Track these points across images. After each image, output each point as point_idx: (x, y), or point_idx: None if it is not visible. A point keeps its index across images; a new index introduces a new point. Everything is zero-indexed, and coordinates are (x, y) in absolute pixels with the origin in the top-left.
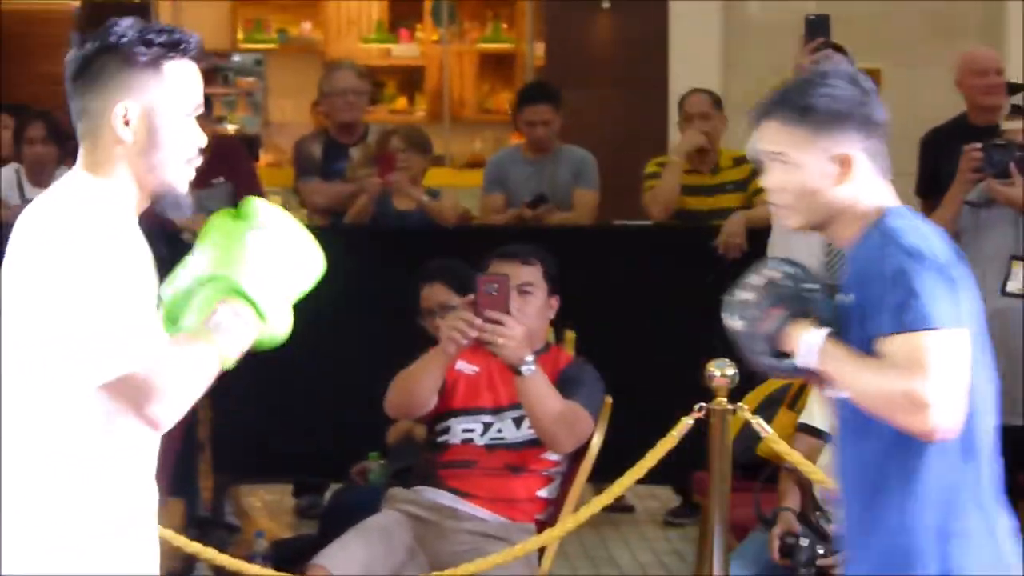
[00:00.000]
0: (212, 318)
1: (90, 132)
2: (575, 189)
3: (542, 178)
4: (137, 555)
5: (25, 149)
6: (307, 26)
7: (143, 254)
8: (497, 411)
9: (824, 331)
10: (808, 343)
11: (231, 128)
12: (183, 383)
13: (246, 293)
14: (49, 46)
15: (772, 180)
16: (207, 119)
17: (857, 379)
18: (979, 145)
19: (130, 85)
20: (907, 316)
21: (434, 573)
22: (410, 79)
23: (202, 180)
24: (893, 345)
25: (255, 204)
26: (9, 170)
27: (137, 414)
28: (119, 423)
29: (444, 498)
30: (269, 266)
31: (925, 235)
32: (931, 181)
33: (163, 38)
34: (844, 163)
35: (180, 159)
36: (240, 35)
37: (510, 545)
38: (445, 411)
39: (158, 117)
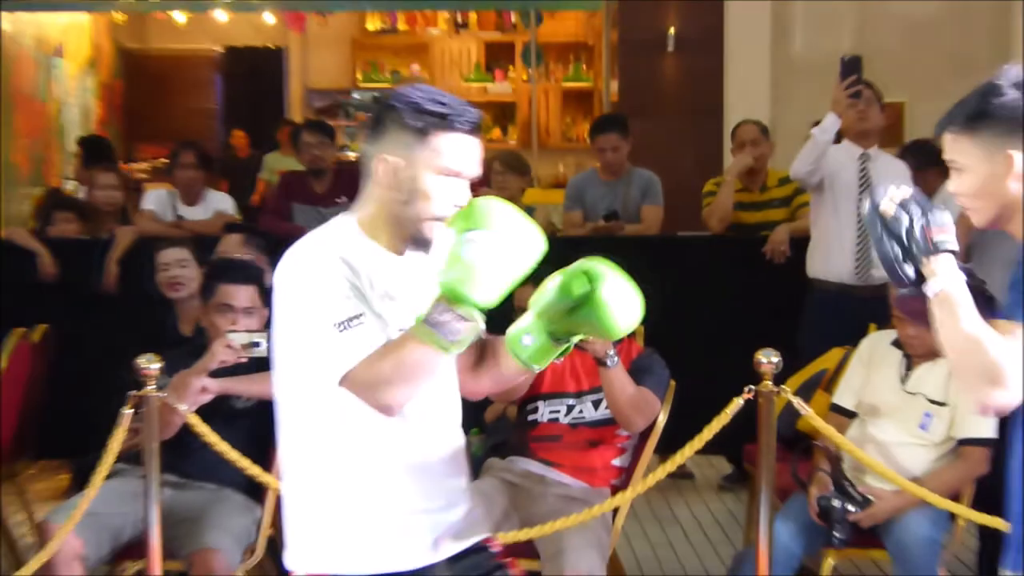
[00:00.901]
0: (428, 315)
1: (366, 173)
2: (643, 206)
3: (615, 197)
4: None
5: (178, 173)
6: (416, 67)
7: (366, 276)
8: (579, 395)
9: (956, 271)
10: (945, 267)
11: (352, 155)
12: (394, 375)
13: (459, 291)
14: (197, 84)
15: (952, 186)
16: (331, 147)
17: (956, 329)
18: None
19: (397, 143)
20: (1007, 305)
21: (525, 530)
22: (503, 112)
23: (328, 199)
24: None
25: (477, 203)
26: (163, 192)
27: (368, 403)
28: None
29: (534, 467)
30: (482, 262)
31: None
32: None
33: (436, 109)
34: (1007, 163)
35: (428, 215)
36: (359, 76)
37: (589, 507)
38: (534, 395)
39: (414, 176)
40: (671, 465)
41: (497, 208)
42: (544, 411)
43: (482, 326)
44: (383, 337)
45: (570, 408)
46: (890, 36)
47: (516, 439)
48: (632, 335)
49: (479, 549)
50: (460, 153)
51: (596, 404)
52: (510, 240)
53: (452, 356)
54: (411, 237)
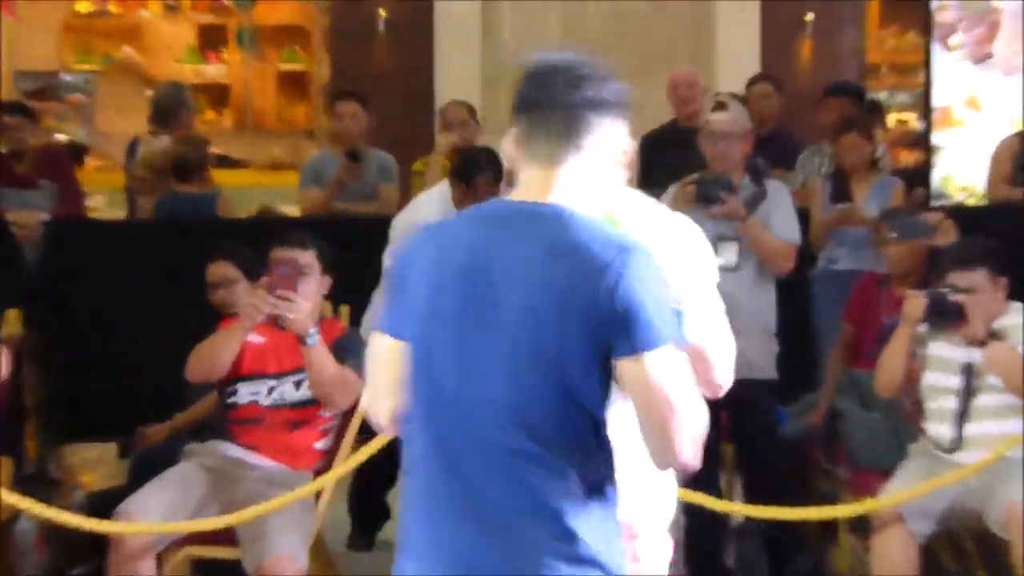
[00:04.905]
0: None
1: None
2: (380, 184)
3: None
4: None
5: None
6: (128, 50)
7: None
8: (279, 375)
9: None
10: None
11: (62, 138)
12: None
13: None
14: None
15: None
16: (32, 129)
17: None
18: (692, 177)
19: None
20: None
21: (224, 516)
22: (218, 95)
23: (29, 182)
24: None
25: None
26: None
27: None
28: None
29: (233, 451)
30: None
31: None
32: (645, 174)
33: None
34: None
35: None
36: (70, 58)
37: (291, 490)
38: (233, 377)
39: None
40: (372, 447)
41: None
42: (243, 393)
43: None
44: None
45: (271, 389)
46: (595, 30)
47: (215, 422)
48: (336, 315)
49: None
50: None
51: (297, 384)
52: None
53: None
54: None
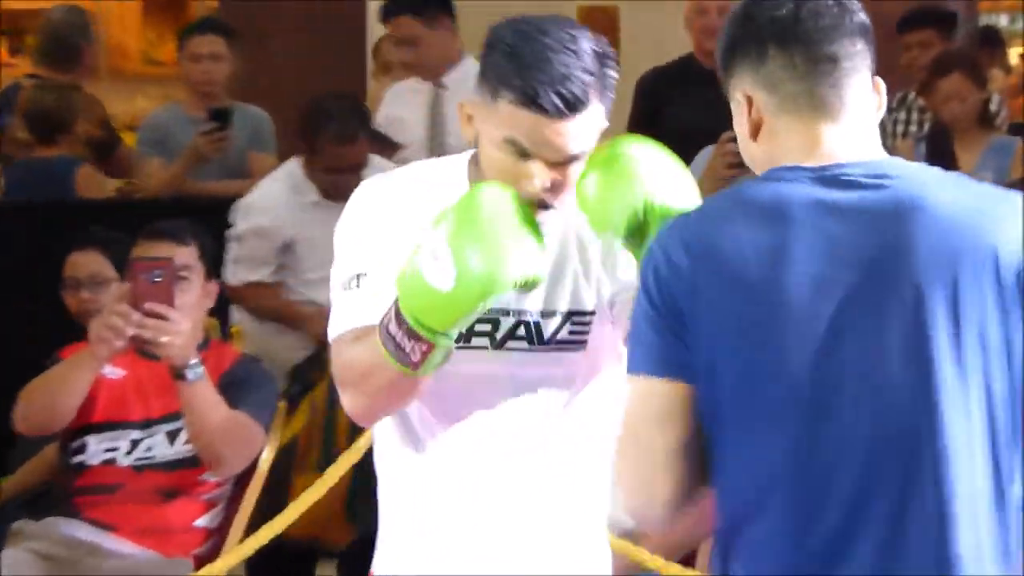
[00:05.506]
0: (382, 320)
1: None
2: (251, 153)
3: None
4: None
5: None
6: None
7: None
8: (147, 424)
9: None
10: None
11: None
12: (351, 374)
13: (406, 307)
14: None
15: None
16: None
17: None
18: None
19: (478, 88)
20: None
21: None
22: None
23: None
24: None
25: (472, 193)
26: None
27: None
28: None
29: (82, 531)
30: (436, 279)
31: None
32: (647, 126)
33: (512, 73)
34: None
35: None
36: None
37: None
38: (82, 426)
39: (480, 139)
40: (279, 524)
41: (491, 202)
42: (96, 449)
43: (450, 344)
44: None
45: (134, 443)
46: None
47: (56, 491)
48: (226, 337)
49: None
50: (530, 134)
51: (172, 436)
52: (486, 251)
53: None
54: None
